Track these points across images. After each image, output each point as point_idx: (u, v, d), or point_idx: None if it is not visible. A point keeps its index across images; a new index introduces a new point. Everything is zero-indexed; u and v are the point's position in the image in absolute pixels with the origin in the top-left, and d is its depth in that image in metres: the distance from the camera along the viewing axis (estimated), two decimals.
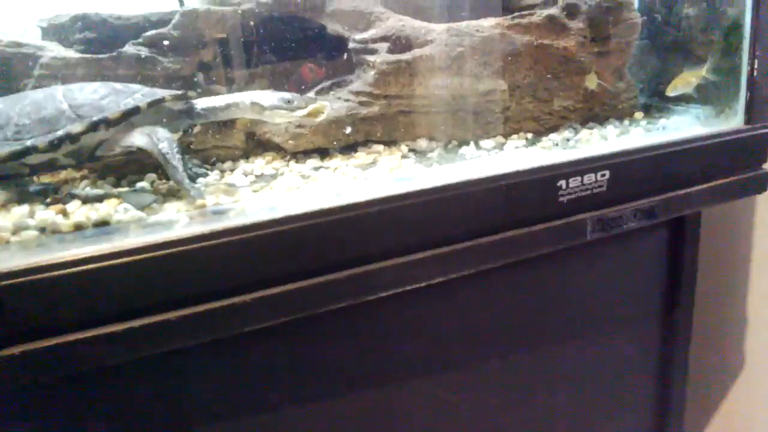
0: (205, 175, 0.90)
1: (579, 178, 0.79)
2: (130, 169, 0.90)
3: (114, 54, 0.87)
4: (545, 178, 0.76)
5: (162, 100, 0.75)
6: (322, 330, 0.71)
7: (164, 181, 0.89)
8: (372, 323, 0.73)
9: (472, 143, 0.95)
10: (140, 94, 0.75)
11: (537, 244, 0.78)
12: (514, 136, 0.99)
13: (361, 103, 0.95)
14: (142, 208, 0.68)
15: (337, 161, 0.93)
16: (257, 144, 0.98)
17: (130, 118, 0.73)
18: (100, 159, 0.76)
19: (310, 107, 0.81)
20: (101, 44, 0.91)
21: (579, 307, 0.87)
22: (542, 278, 0.84)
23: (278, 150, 0.97)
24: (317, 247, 0.66)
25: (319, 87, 1.00)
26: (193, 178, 0.88)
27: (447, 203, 0.72)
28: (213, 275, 0.61)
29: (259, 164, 0.94)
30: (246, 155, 0.97)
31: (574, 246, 0.82)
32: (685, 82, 1.03)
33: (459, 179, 0.73)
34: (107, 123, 0.72)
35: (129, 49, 0.88)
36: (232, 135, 0.95)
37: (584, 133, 0.97)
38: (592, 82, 0.98)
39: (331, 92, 0.99)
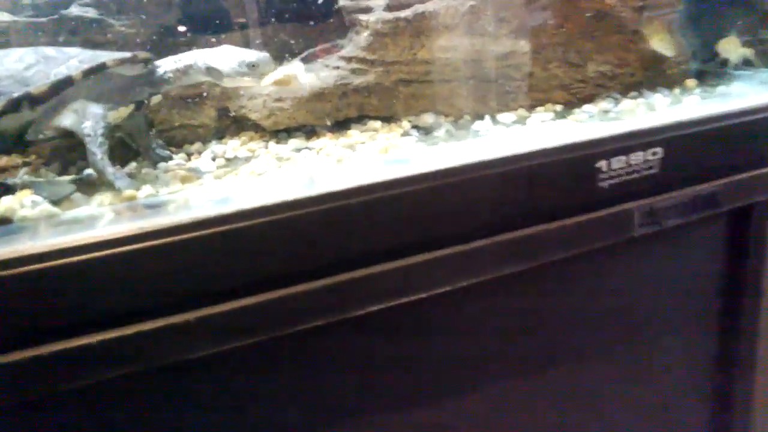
0: (169, 158, 0.74)
1: (624, 158, 0.60)
2: (80, 154, 0.74)
3: (55, 16, 0.70)
4: (581, 158, 0.58)
5: (103, 66, 0.58)
6: (291, 356, 0.54)
7: (119, 166, 0.73)
8: (358, 346, 0.56)
9: (487, 117, 0.76)
10: (77, 60, 0.58)
11: (570, 241, 0.60)
12: (540, 109, 0.80)
13: (352, 71, 0.77)
14: (57, 200, 0.52)
15: (324, 141, 0.76)
16: (233, 122, 0.81)
17: (61, 91, 0.57)
18: (32, 144, 0.60)
19: (278, 75, 0.63)
20: (53, 8, 0.75)
21: (622, 316, 0.68)
22: (577, 284, 0.65)
23: (256, 129, 0.80)
24: (280, 250, 0.49)
25: (306, 53, 0.82)
26: (155, 162, 0.73)
27: (451, 192, 0.54)
28: (129, 291, 0.45)
29: (233, 145, 0.77)
30: (220, 135, 0.80)
31: (617, 243, 0.63)
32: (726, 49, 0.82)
33: (468, 161, 0.55)
34: (31, 100, 0.56)
35: (73, 10, 0.71)
36: (201, 111, 0.79)
37: (627, 103, 0.78)
38: (659, 40, 0.76)
39: (320, 59, 0.81)
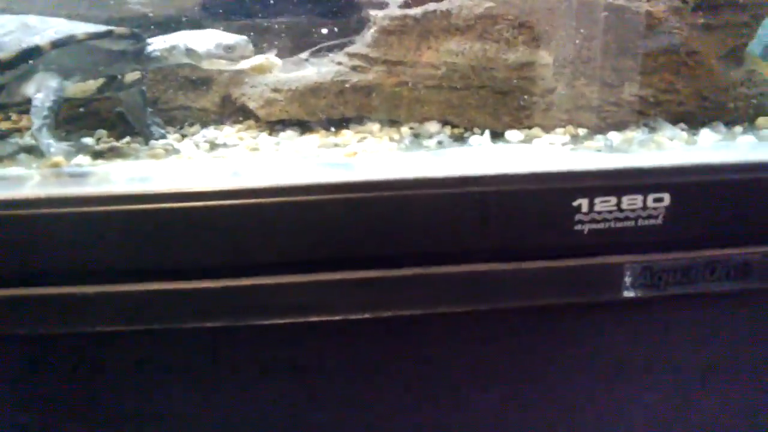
0: (162, 136, 0.73)
1: (612, 199, 0.48)
2: (88, 123, 0.76)
3: None
4: (549, 192, 0.47)
5: (72, 38, 0.58)
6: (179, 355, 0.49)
7: (111, 139, 0.74)
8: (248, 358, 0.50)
9: (487, 133, 0.66)
10: (54, 30, 0.59)
11: (527, 289, 0.49)
12: (560, 130, 0.68)
13: (353, 68, 0.71)
14: None
15: (315, 138, 0.70)
16: (238, 109, 0.78)
17: (29, 59, 0.57)
18: (5, 107, 0.61)
19: (255, 61, 0.59)
20: None
21: (602, 392, 0.55)
22: (539, 342, 0.53)
23: (256, 118, 0.77)
24: (170, 239, 0.45)
25: (317, 47, 0.77)
26: (147, 139, 0.72)
27: (380, 206, 0.46)
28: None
29: (227, 132, 0.74)
30: (221, 120, 0.78)
31: (599, 303, 0.51)
32: None
33: (408, 176, 0.46)
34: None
35: None
36: (205, 95, 0.77)
37: (663, 135, 0.64)
38: None
39: (330, 54, 0.76)
